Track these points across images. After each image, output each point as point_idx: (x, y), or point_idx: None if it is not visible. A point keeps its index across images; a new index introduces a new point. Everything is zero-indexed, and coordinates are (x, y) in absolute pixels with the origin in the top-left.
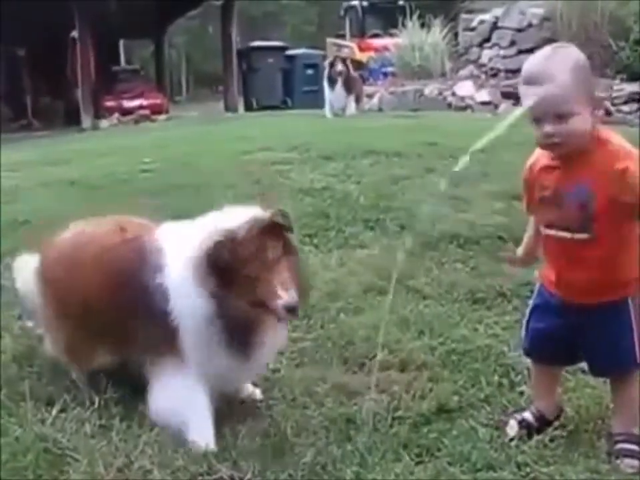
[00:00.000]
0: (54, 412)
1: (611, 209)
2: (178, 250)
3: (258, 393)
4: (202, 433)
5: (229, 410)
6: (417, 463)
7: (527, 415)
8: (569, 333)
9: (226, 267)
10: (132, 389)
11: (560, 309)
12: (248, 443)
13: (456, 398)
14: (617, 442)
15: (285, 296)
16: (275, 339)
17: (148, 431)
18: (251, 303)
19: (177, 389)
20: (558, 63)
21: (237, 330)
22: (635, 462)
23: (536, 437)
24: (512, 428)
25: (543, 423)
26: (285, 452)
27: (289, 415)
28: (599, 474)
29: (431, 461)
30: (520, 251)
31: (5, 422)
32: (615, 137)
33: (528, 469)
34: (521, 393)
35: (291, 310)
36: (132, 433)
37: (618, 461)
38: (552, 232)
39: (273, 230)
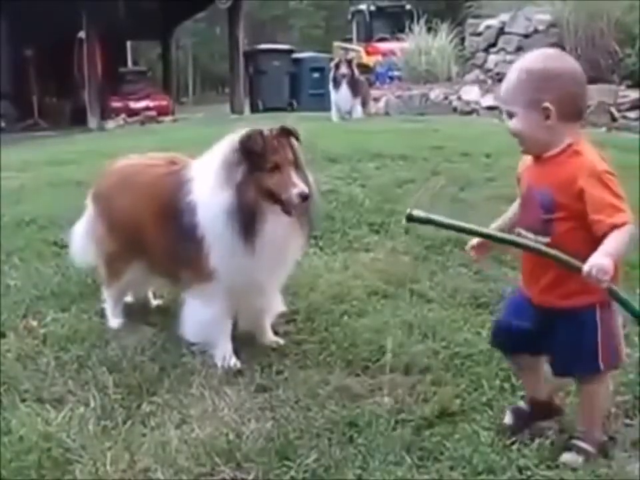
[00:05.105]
0: (58, 412)
1: (570, 217)
2: (206, 169)
3: (280, 340)
4: (225, 353)
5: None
6: (419, 466)
7: (521, 404)
8: (535, 330)
9: (256, 152)
10: (136, 388)
11: (529, 307)
12: (251, 444)
13: (458, 401)
14: (572, 437)
15: (300, 185)
16: (285, 239)
17: (151, 431)
18: (263, 193)
19: (205, 313)
20: (515, 66)
21: (246, 218)
22: (578, 458)
23: (537, 440)
24: (508, 416)
25: (536, 408)
26: (287, 454)
27: (292, 417)
28: (599, 477)
29: (433, 464)
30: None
31: (9, 421)
32: (588, 151)
33: (529, 472)
34: (522, 397)
35: (304, 197)
36: (135, 433)
37: (563, 453)
38: (520, 231)
39: (287, 135)
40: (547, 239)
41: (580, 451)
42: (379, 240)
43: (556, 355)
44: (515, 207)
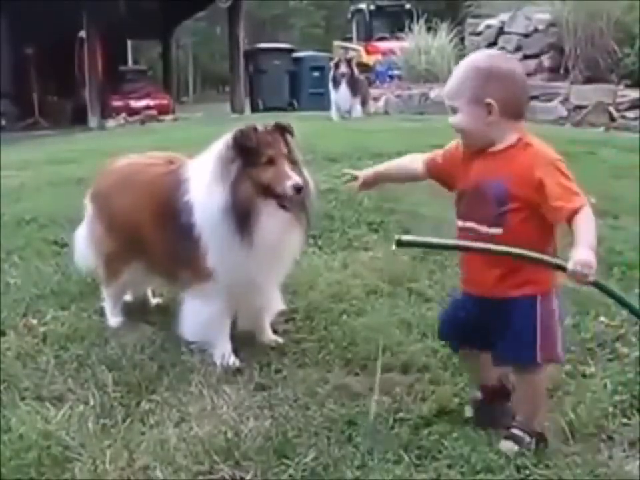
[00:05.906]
0: (57, 410)
1: (524, 207)
2: (202, 168)
3: (279, 339)
4: (224, 352)
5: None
6: (417, 465)
7: (475, 393)
8: (480, 322)
9: (250, 147)
10: (135, 387)
11: (472, 302)
12: (250, 443)
13: (456, 400)
14: (511, 427)
15: (295, 177)
16: (281, 236)
17: (150, 429)
18: (258, 188)
19: (204, 312)
20: (462, 63)
21: (241, 215)
22: (514, 446)
23: (535, 440)
24: (468, 410)
25: (486, 393)
26: (286, 452)
27: (291, 415)
28: (598, 477)
29: (431, 463)
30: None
31: (9, 419)
32: (538, 143)
33: (527, 472)
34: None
35: (298, 189)
36: (135, 431)
37: (501, 441)
38: (469, 224)
39: (281, 130)
40: (499, 230)
41: (517, 440)
42: (378, 239)
43: (495, 344)
44: (406, 161)
